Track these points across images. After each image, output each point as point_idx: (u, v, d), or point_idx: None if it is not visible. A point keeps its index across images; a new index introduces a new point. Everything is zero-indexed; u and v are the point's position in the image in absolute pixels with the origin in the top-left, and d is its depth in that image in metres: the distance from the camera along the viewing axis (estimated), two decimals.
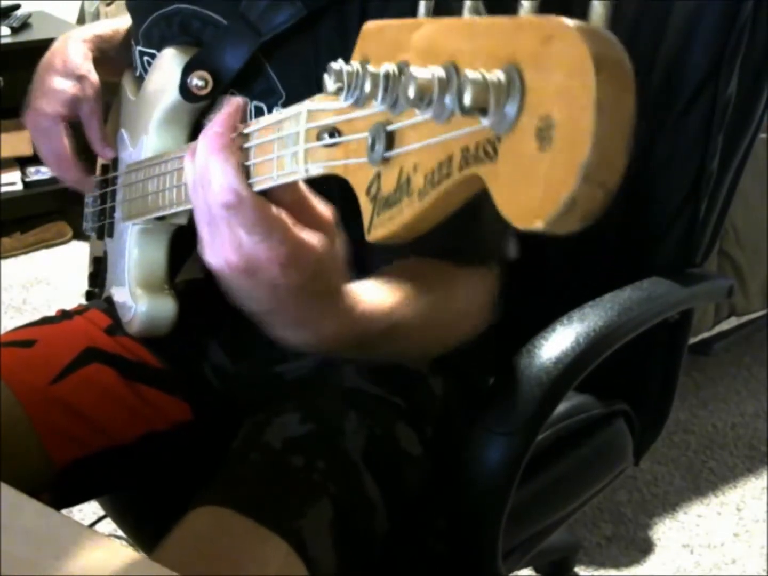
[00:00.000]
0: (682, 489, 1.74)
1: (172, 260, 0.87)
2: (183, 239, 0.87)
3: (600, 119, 0.29)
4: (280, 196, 0.54)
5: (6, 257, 2.57)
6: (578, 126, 0.30)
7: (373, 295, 0.65)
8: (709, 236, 0.97)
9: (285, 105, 0.76)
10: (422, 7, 0.42)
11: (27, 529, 0.53)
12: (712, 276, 1.03)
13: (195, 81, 0.77)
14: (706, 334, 1.92)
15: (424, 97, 0.36)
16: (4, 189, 2.57)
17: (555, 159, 0.30)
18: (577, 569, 1.53)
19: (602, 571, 1.54)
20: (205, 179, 0.54)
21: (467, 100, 0.33)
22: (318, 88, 0.74)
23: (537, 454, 0.81)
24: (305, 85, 0.74)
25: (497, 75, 0.33)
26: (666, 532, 1.64)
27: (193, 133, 0.83)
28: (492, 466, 0.74)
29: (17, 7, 2.63)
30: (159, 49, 0.83)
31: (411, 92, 0.36)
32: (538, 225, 0.31)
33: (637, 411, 0.99)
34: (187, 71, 0.77)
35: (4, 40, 2.45)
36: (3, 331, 0.92)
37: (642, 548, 1.60)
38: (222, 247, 0.55)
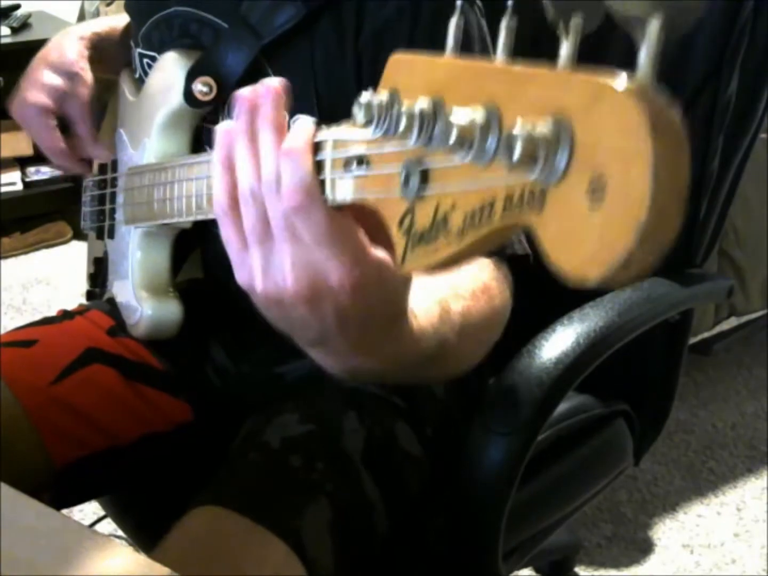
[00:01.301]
0: (682, 489, 1.74)
1: (173, 261, 0.87)
2: (183, 239, 0.87)
3: (657, 181, 0.29)
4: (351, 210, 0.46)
5: (6, 257, 2.56)
6: (634, 188, 0.30)
7: (426, 306, 0.57)
8: (709, 236, 0.97)
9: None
10: (451, 41, 0.41)
11: (27, 529, 0.53)
12: (712, 276, 1.03)
13: (199, 87, 0.77)
14: (706, 334, 1.92)
15: (464, 142, 0.35)
16: (4, 189, 2.57)
17: (610, 217, 0.31)
18: (577, 569, 1.53)
19: (602, 571, 1.54)
20: (272, 182, 0.46)
21: (517, 154, 0.33)
22: (315, 86, 0.74)
23: (537, 454, 0.81)
24: (303, 85, 0.74)
25: (546, 127, 0.33)
26: (666, 532, 1.64)
27: (195, 137, 0.83)
28: (492, 467, 0.74)
29: (17, 7, 2.63)
30: (159, 52, 0.83)
31: (452, 138, 0.35)
32: (591, 281, 0.32)
33: (637, 411, 0.99)
34: (191, 77, 0.77)
35: (4, 40, 2.45)
36: (3, 331, 0.92)
37: (642, 548, 1.60)
38: (280, 270, 0.47)
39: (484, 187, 0.36)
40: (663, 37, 0.32)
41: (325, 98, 0.74)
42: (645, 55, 0.32)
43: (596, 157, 0.31)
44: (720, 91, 0.90)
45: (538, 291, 0.84)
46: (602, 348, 0.80)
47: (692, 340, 1.69)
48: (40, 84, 0.89)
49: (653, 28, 0.31)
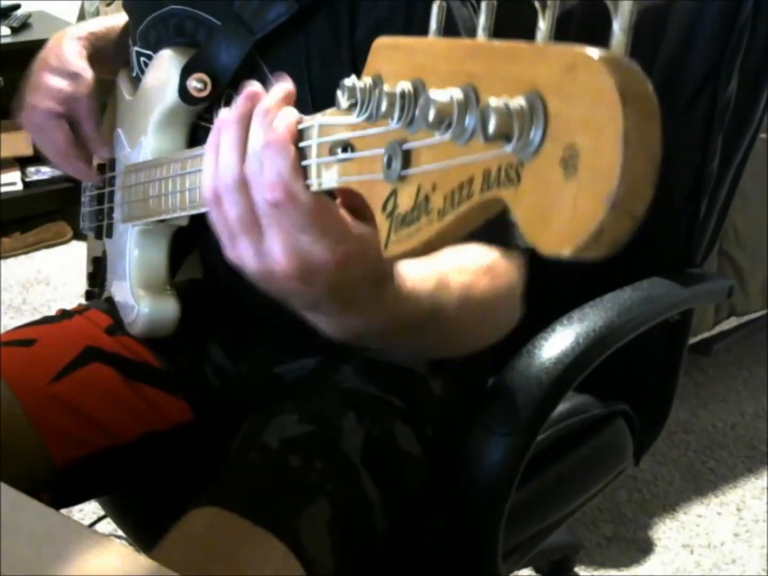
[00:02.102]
0: (682, 489, 1.74)
1: (171, 260, 0.87)
2: (182, 239, 0.87)
3: (627, 150, 0.30)
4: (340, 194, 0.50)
5: (6, 257, 2.56)
6: (605, 157, 0.30)
7: (419, 272, 0.61)
8: (710, 236, 0.97)
9: None
10: (433, 24, 0.42)
11: (27, 529, 0.53)
12: (712, 276, 1.03)
13: (194, 83, 0.77)
14: (706, 334, 1.92)
15: (443, 120, 0.36)
16: (4, 189, 2.57)
17: (582, 188, 0.31)
18: (577, 569, 1.53)
19: (602, 571, 1.54)
20: (255, 173, 0.49)
21: (491, 128, 0.33)
22: (310, 84, 0.75)
23: (537, 454, 0.81)
24: (298, 81, 0.74)
25: (519, 102, 0.33)
26: (666, 532, 1.64)
27: (191, 134, 0.83)
28: (492, 466, 0.74)
29: (17, 7, 2.63)
30: (156, 50, 0.83)
31: (431, 116, 0.36)
32: (565, 252, 0.31)
33: (637, 411, 0.99)
34: (185, 74, 0.77)
35: (4, 40, 2.45)
36: (3, 331, 0.92)
37: (642, 548, 1.60)
38: (269, 254, 0.50)
39: (463, 165, 0.37)
40: (636, 10, 0.32)
41: (319, 94, 0.74)
42: (618, 27, 0.32)
43: (569, 128, 0.31)
44: (720, 91, 0.90)
45: (538, 291, 0.84)
46: (602, 348, 0.80)
47: (692, 340, 1.69)
48: (44, 89, 0.89)
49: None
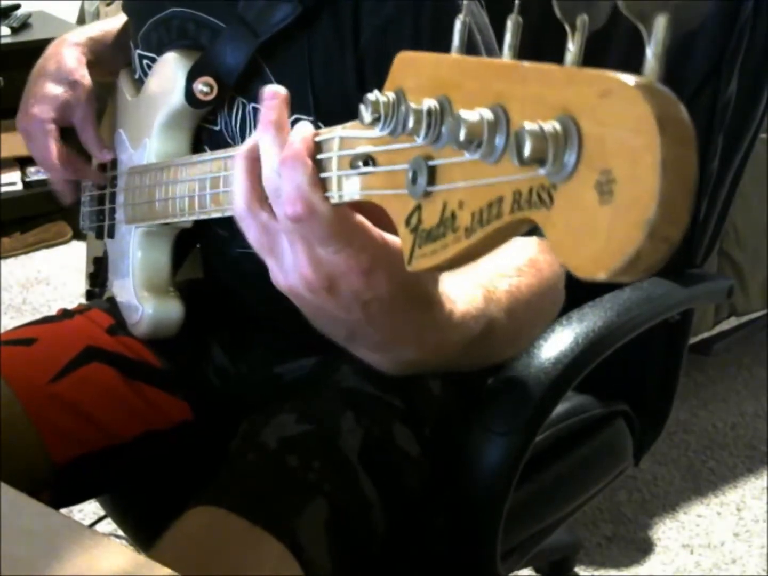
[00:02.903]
0: (682, 489, 1.74)
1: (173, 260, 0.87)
2: (183, 239, 0.88)
3: (665, 178, 0.30)
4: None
5: (6, 257, 2.56)
6: (643, 184, 0.30)
7: (466, 290, 0.58)
8: (710, 237, 0.97)
9: None
10: (456, 40, 0.42)
11: (27, 529, 0.53)
12: (712, 276, 1.03)
13: (200, 87, 0.77)
14: (706, 334, 1.92)
15: (473, 140, 0.36)
16: (4, 189, 2.57)
17: (618, 214, 0.31)
18: (577, 569, 1.53)
19: (602, 571, 1.54)
20: (274, 190, 0.50)
21: (527, 152, 0.33)
22: (312, 87, 0.75)
23: (537, 454, 0.81)
24: (300, 84, 0.74)
25: (554, 125, 0.33)
26: (666, 532, 1.64)
27: (195, 136, 0.83)
28: (491, 467, 0.74)
29: (17, 7, 2.63)
30: (158, 53, 0.83)
31: (462, 135, 0.35)
32: (600, 276, 0.32)
33: (637, 411, 0.99)
34: (191, 77, 0.77)
35: (4, 40, 2.45)
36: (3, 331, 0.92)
37: (642, 548, 1.60)
38: (296, 266, 0.50)
39: (492, 184, 0.36)
40: (670, 34, 0.32)
41: (321, 96, 0.74)
42: (651, 52, 0.32)
43: (604, 153, 0.31)
44: (720, 91, 0.90)
45: None
46: (601, 348, 0.80)
47: (692, 340, 1.69)
48: (44, 97, 0.89)
49: (660, 25, 0.32)
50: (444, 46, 0.42)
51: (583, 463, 0.94)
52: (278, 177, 0.49)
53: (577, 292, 0.85)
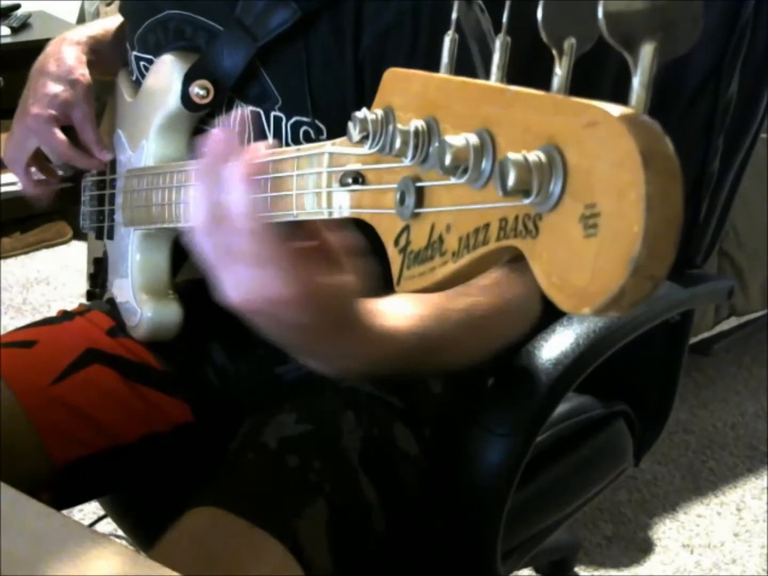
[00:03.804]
0: (682, 489, 1.74)
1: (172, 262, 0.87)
2: (181, 241, 0.87)
3: (650, 215, 0.29)
4: (299, 232, 0.53)
5: (6, 257, 2.56)
6: (627, 220, 0.30)
7: (399, 308, 0.63)
8: (710, 237, 0.97)
9: (281, 109, 0.76)
10: (445, 57, 0.41)
11: (27, 529, 0.53)
12: (712, 277, 1.03)
13: (196, 90, 0.77)
14: (706, 334, 1.92)
15: (459, 165, 0.35)
16: (4, 189, 2.56)
17: (603, 249, 0.30)
18: (577, 569, 1.53)
19: (602, 571, 1.54)
20: (222, 210, 0.51)
21: (510, 182, 0.32)
22: (310, 91, 0.75)
23: (537, 454, 0.80)
24: (298, 89, 0.74)
25: (538, 155, 0.32)
26: (666, 532, 1.64)
27: (193, 138, 0.83)
28: (491, 467, 0.74)
29: (17, 7, 2.63)
30: (155, 54, 0.83)
31: (447, 160, 0.35)
32: (585, 312, 0.31)
33: (638, 412, 0.99)
34: (187, 80, 0.77)
35: (4, 40, 2.45)
36: (3, 332, 0.92)
37: (642, 548, 1.60)
38: (238, 286, 0.53)
39: (479, 210, 0.36)
40: (657, 64, 0.31)
41: (319, 98, 0.74)
42: (638, 82, 0.31)
43: (590, 186, 0.31)
44: (720, 92, 0.90)
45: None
46: (602, 349, 0.80)
47: (692, 340, 1.69)
48: (43, 96, 0.89)
49: (647, 53, 0.31)
50: (435, 69, 0.42)
51: (584, 464, 0.94)
52: (223, 197, 0.51)
53: None
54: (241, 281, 0.52)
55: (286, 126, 0.76)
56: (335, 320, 0.56)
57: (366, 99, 0.71)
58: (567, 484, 0.93)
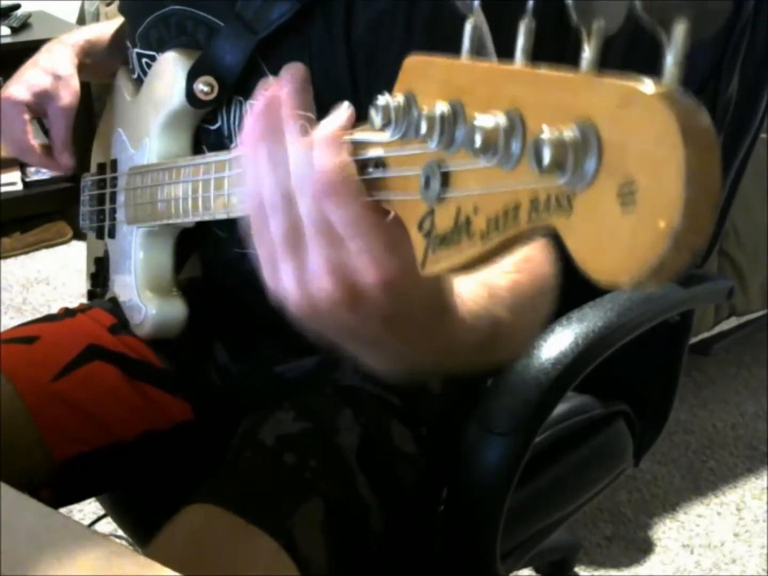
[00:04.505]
0: (682, 489, 1.74)
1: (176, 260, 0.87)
2: (185, 238, 0.87)
3: (689, 187, 0.29)
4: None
5: (6, 257, 2.56)
6: (667, 193, 0.30)
7: (472, 289, 0.55)
8: (710, 237, 0.97)
9: None
10: (467, 43, 0.41)
11: (27, 529, 0.53)
12: (712, 277, 1.03)
13: (201, 87, 0.77)
14: (706, 334, 1.92)
15: (489, 146, 0.35)
16: (4, 189, 2.56)
17: (641, 222, 0.30)
18: (577, 569, 1.53)
19: (602, 571, 1.54)
20: (303, 175, 0.45)
21: (546, 159, 0.32)
22: (313, 84, 0.75)
23: (537, 454, 0.80)
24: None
25: (572, 131, 0.32)
26: (666, 532, 1.64)
27: (195, 136, 0.83)
28: (490, 467, 0.74)
29: (17, 7, 2.63)
30: (158, 51, 0.83)
31: (477, 141, 0.35)
32: (623, 283, 0.31)
33: (638, 412, 0.99)
34: (192, 77, 0.77)
35: (4, 40, 2.45)
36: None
37: (642, 548, 1.60)
38: (316, 277, 0.45)
39: (509, 191, 0.36)
40: (689, 41, 0.31)
41: (321, 94, 0.74)
42: (671, 59, 0.31)
43: (625, 162, 0.31)
44: (720, 92, 0.90)
45: None
46: (601, 348, 0.80)
47: (692, 340, 1.69)
48: (24, 81, 0.90)
49: (679, 31, 0.31)
50: (440, 44, 0.42)
51: (583, 464, 0.94)
52: (306, 162, 0.45)
53: (576, 293, 0.85)
54: (321, 265, 0.45)
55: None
56: (433, 298, 0.49)
57: (360, 90, 0.71)
58: (566, 484, 0.93)
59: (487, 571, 0.80)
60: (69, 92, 0.90)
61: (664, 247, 0.30)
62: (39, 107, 0.90)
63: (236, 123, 0.80)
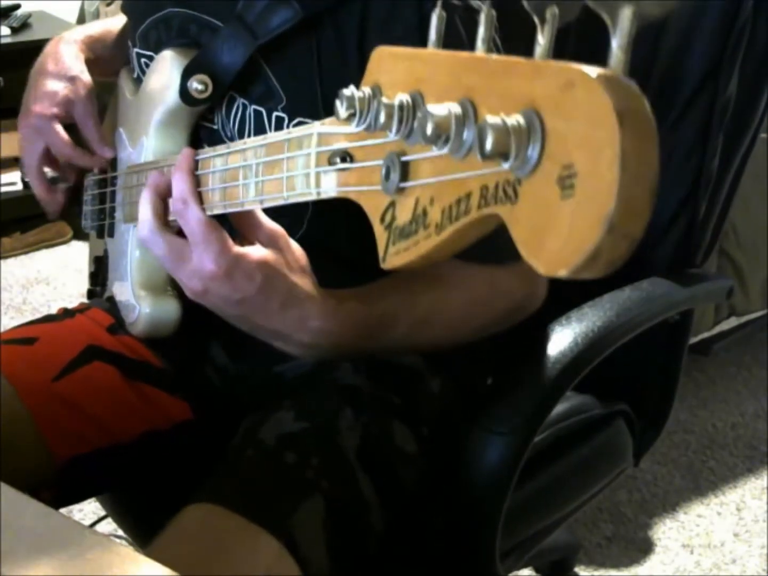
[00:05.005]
0: (682, 489, 1.74)
1: None
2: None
3: (624, 172, 0.29)
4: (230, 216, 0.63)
5: (6, 257, 2.56)
6: (602, 178, 0.30)
7: (363, 290, 0.70)
8: (710, 236, 0.97)
9: (285, 109, 0.76)
10: (433, 34, 0.41)
11: (27, 529, 0.53)
12: (712, 276, 1.03)
13: (195, 85, 0.77)
14: (706, 334, 1.92)
15: (441, 134, 0.36)
16: (4, 189, 2.56)
17: (578, 208, 0.30)
18: (577, 569, 1.53)
19: (602, 571, 1.54)
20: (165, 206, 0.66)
21: (489, 145, 0.33)
22: (321, 90, 0.74)
23: (537, 454, 0.80)
24: (306, 90, 0.74)
25: (517, 119, 0.33)
26: (666, 532, 1.64)
27: (194, 134, 0.83)
28: (490, 466, 0.74)
29: (17, 7, 2.63)
30: (156, 52, 0.83)
31: (429, 130, 0.36)
32: (561, 273, 0.31)
33: (637, 412, 0.99)
34: (186, 75, 0.77)
35: (4, 40, 2.45)
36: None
37: (642, 548, 1.60)
38: (190, 274, 0.64)
39: (461, 180, 0.36)
40: (635, 26, 0.31)
41: (329, 99, 0.74)
42: (617, 44, 0.31)
43: (567, 147, 0.31)
44: (720, 91, 0.90)
45: None
46: (600, 348, 0.80)
47: (692, 340, 1.69)
48: (44, 94, 0.90)
49: (625, 16, 0.31)
50: (422, 46, 0.42)
51: (583, 463, 0.94)
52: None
53: (576, 292, 0.85)
54: (192, 269, 0.63)
55: (287, 127, 0.76)
56: (277, 295, 0.64)
57: None
58: (566, 483, 0.93)
59: (486, 571, 0.80)
60: (87, 90, 0.90)
61: (599, 235, 0.30)
62: (66, 115, 0.90)
63: (236, 125, 0.80)
